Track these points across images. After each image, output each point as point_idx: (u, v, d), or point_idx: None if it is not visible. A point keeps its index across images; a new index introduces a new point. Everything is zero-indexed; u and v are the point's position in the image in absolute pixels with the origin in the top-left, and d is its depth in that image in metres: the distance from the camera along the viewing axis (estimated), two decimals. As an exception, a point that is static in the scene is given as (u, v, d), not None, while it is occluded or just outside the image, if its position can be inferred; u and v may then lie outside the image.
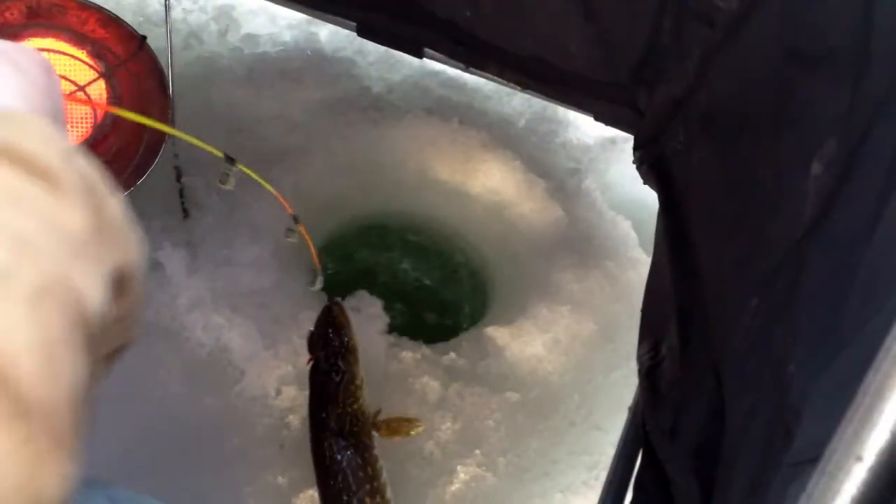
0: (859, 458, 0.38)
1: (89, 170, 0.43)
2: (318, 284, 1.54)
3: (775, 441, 0.60)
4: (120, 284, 0.41)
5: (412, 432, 1.39)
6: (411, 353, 1.69)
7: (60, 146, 0.42)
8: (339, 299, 1.44)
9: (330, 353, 1.37)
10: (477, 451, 1.61)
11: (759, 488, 0.60)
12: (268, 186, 1.00)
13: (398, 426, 1.39)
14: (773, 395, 0.65)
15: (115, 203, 0.44)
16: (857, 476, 0.39)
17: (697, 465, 0.86)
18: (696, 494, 0.85)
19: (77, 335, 0.36)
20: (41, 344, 0.34)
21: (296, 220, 1.32)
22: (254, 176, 0.94)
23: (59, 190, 0.39)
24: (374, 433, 1.37)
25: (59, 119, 0.52)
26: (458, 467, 1.58)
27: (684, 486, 0.90)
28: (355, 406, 1.36)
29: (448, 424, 1.62)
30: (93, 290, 0.38)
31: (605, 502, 1.14)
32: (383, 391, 1.62)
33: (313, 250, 1.39)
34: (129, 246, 0.44)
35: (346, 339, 1.38)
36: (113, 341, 0.42)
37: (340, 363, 1.36)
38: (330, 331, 1.38)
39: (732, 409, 0.78)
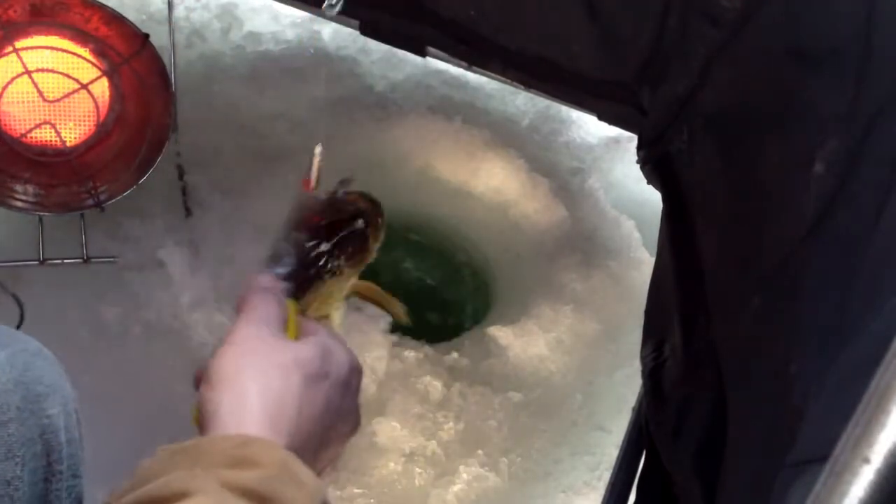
0: (866, 460, 0.38)
1: None
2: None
3: (777, 441, 0.59)
4: None
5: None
6: (413, 353, 1.69)
7: None
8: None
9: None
10: (479, 451, 1.61)
11: (761, 489, 0.60)
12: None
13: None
14: (775, 394, 0.64)
15: None
16: (864, 478, 0.38)
17: (700, 465, 0.86)
18: (699, 495, 0.85)
19: None
20: None
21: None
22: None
23: None
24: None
25: None
26: (461, 467, 1.58)
27: (687, 487, 0.90)
28: None
29: (450, 424, 1.62)
30: None
31: (607, 503, 1.14)
32: (385, 391, 1.62)
33: None
34: None
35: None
36: None
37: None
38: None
39: (734, 409, 0.77)
